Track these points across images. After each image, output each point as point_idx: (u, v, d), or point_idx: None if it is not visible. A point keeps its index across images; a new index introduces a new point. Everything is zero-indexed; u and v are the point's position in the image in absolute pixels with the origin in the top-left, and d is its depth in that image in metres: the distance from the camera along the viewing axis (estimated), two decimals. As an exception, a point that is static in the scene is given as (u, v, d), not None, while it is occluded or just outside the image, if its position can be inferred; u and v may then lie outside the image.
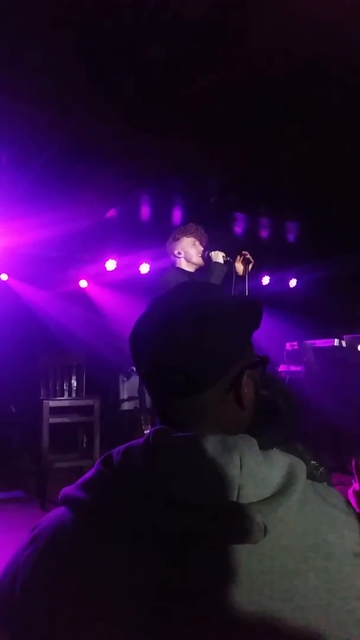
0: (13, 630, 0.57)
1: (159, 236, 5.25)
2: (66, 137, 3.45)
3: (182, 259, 3.06)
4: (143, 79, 2.85)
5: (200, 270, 3.07)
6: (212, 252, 3.01)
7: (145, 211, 5.18)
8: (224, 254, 3.02)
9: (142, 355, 0.66)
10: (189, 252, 3.05)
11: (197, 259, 3.05)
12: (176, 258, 3.08)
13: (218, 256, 2.99)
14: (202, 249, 3.07)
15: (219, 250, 3.01)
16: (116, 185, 4.24)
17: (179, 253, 3.06)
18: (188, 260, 3.05)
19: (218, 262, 2.98)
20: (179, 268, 3.05)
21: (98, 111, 3.19)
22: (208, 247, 3.09)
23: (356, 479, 0.29)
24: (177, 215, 5.20)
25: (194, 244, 3.06)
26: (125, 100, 3.03)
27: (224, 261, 3.01)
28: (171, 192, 4.64)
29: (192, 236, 3.06)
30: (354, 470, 0.29)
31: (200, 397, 0.63)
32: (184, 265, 3.06)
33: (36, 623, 0.55)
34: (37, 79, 2.83)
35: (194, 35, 2.47)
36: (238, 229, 5.59)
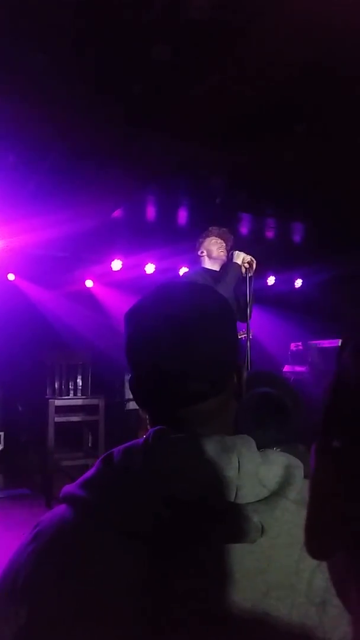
0: (14, 624, 0.59)
1: (165, 237, 5.27)
2: (72, 137, 3.47)
3: (205, 257, 3.16)
4: (149, 79, 2.86)
5: (224, 266, 3.15)
6: (235, 252, 3.10)
7: (150, 211, 5.19)
8: (245, 255, 3.10)
9: (154, 363, 0.64)
10: (210, 249, 3.14)
11: (218, 253, 3.13)
12: (201, 258, 3.18)
13: (239, 257, 3.08)
14: (224, 245, 3.15)
15: (240, 251, 3.10)
16: (122, 185, 4.26)
17: (202, 252, 3.17)
18: (209, 256, 3.14)
19: (235, 263, 3.05)
20: (203, 268, 3.14)
21: (104, 112, 3.20)
22: (232, 248, 3.18)
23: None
24: (182, 215, 5.20)
25: (216, 242, 3.15)
26: (131, 100, 3.05)
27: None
28: (177, 192, 4.65)
29: (214, 235, 3.17)
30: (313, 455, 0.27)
31: (213, 400, 0.64)
32: (207, 264, 3.15)
33: (37, 618, 0.57)
34: (44, 81, 2.85)
35: (199, 35, 2.48)
36: (244, 229, 5.59)
